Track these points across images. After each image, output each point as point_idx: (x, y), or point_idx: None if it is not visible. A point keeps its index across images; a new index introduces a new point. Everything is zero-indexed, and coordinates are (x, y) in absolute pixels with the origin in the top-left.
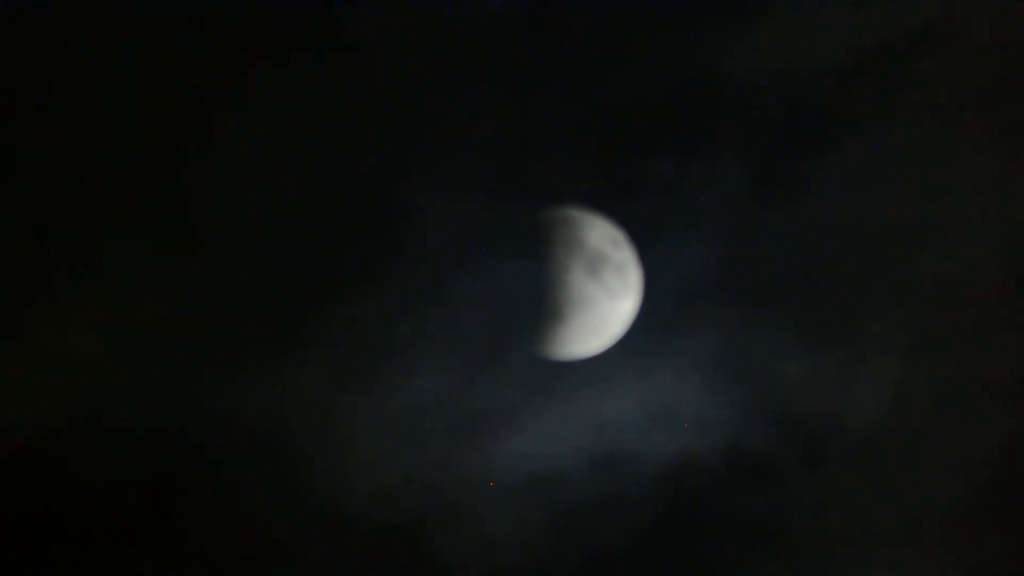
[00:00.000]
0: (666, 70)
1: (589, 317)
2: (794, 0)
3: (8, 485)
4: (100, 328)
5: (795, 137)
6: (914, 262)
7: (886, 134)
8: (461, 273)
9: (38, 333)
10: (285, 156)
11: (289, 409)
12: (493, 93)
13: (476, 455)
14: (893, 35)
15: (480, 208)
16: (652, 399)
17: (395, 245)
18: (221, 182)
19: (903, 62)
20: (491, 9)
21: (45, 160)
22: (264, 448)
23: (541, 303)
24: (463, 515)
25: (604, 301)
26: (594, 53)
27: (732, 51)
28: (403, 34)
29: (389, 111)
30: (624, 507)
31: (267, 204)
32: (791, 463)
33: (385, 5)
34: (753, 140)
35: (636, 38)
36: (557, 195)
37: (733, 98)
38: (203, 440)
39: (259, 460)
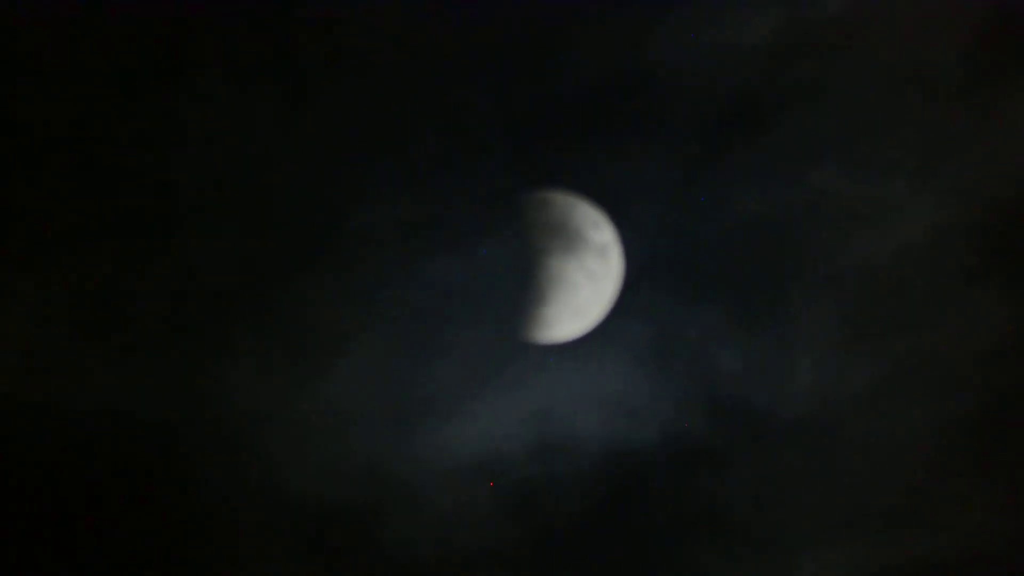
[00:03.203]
0: (590, 61)
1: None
2: None
3: None
4: (40, 314)
5: (724, 123)
6: (845, 247)
7: (815, 118)
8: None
9: None
10: (233, 137)
11: (236, 395)
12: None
13: (423, 440)
14: (821, 18)
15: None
16: (592, 386)
17: (358, 228)
18: (167, 167)
19: (831, 45)
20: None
21: None
22: (209, 435)
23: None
24: (412, 498)
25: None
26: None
27: (655, 37)
28: (364, 18)
29: (350, 92)
30: (568, 490)
31: (214, 188)
32: (729, 449)
33: None
34: (681, 127)
35: (563, 28)
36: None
37: (657, 86)
38: (147, 427)
39: (204, 446)
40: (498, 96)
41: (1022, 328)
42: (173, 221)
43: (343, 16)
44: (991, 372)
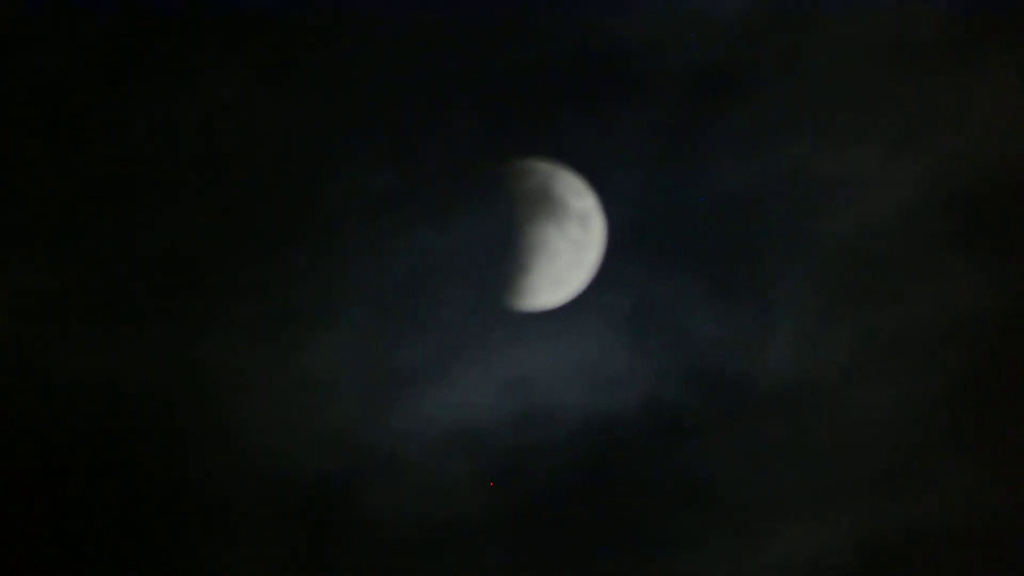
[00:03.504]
0: (565, 32)
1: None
2: None
3: None
4: (21, 289)
5: (700, 94)
6: (823, 218)
7: (792, 89)
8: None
9: None
10: (210, 113)
11: (217, 368)
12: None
13: (404, 410)
14: None
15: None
16: (572, 355)
17: (337, 202)
18: (146, 144)
19: (808, 16)
20: None
21: None
22: (191, 407)
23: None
24: (393, 467)
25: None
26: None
27: (630, 8)
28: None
29: (324, 67)
30: (548, 458)
31: (192, 164)
32: (709, 418)
33: None
34: (657, 98)
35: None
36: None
37: (633, 56)
38: (128, 400)
39: (186, 418)
40: (473, 67)
41: (1000, 298)
42: (153, 198)
43: None
44: (969, 342)
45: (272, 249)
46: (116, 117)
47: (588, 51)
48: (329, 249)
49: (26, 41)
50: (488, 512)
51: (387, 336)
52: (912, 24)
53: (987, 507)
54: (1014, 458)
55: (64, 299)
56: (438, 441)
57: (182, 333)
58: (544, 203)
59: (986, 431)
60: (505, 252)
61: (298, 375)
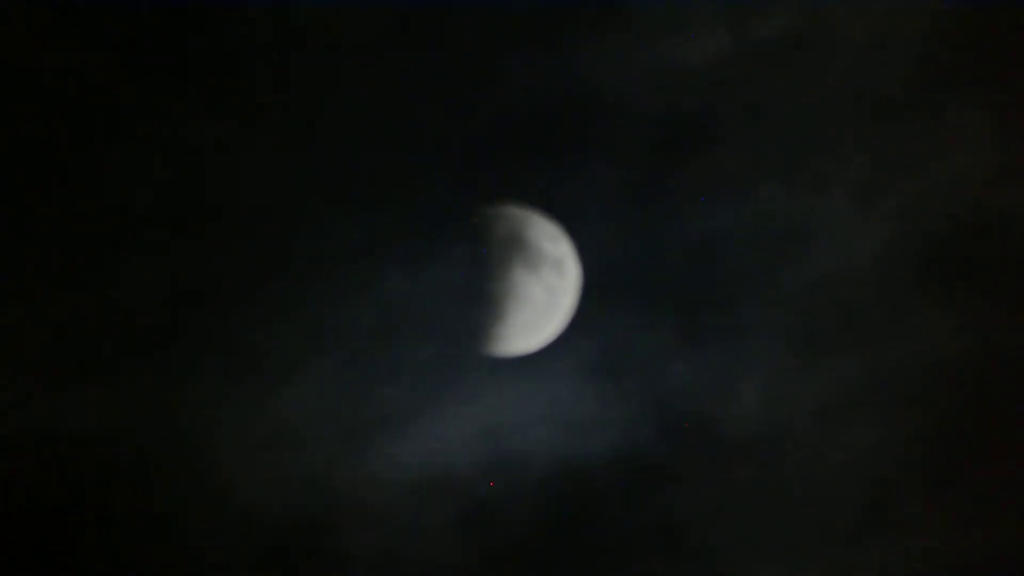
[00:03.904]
0: (532, 81)
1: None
2: (653, 9)
3: None
4: None
5: (670, 142)
6: (793, 265)
7: (760, 137)
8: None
9: None
10: (182, 158)
11: (189, 416)
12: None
13: (376, 456)
14: (765, 37)
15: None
16: (542, 401)
17: (308, 249)
18: (115, 191)
19: (775, 65)
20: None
21: None
22: (163, 454)
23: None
24: (364, 513)
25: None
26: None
27: (596, 58)
28: (312, 42)
29: (299, 113)
30: (520, 505)
31: (162, 211)
32: (681, 465)
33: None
34: (626, 146)
35: (503, 50)
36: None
37: (601, 105)
38: (99, 447)
39: (158, 465)
40: (444, 114)
41: (971, 344)
42: (126, 249)
43: (290, 39)
44: (941, 388)
45: (245, 296)
46: (90, 167)
47: (558, 98)
48: (301, 296)
49: (4, 88)
50: (461, 557)
51: (360, 383)
52: (879, 72)
53: (959, 554)
54: (986, 504)
55: (37, 349)
56: (411, 487)
57: (155, 382)
58: (517, 248)
59: (958, 477)
60: (478, 298)
61: (271, 422)
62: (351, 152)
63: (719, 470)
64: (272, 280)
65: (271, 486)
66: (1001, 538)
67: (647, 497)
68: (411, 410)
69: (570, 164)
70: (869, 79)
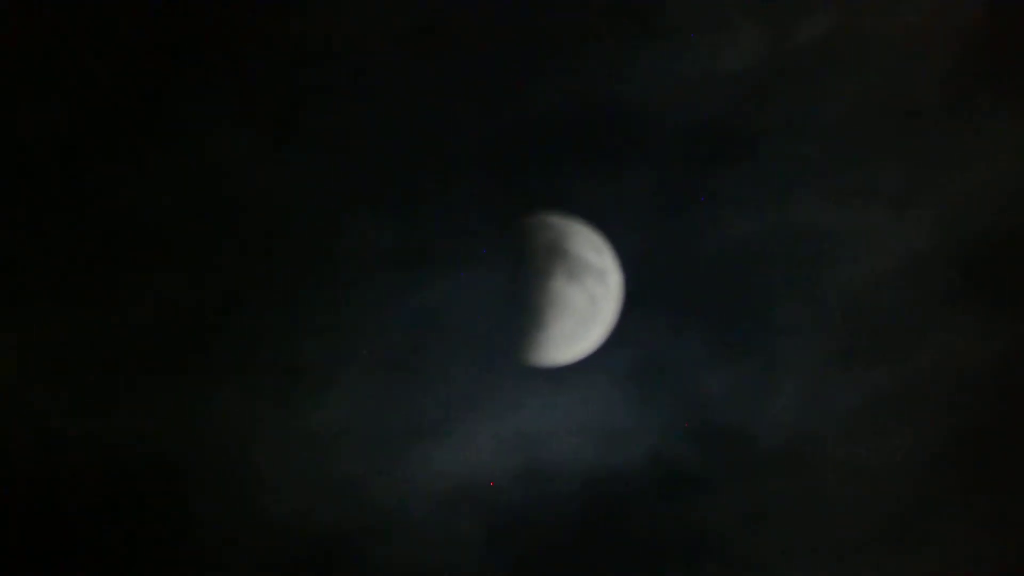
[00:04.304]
0: (572, 89)
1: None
2: (689, 16)
3: None
4: (27, 346)
5: (707, 150)
6: (828, 273)
7: (797, 145)
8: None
9: None
10: (218, 166)
11: (228, 423)
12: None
13: (412, 464)
14: (801, 45)
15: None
16: (577, 410)
17: (349, 256)
18: (152, 200)
19: (811, 72)
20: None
21: None
22: (201, 461)
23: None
24: (399, 521)
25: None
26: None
27: (631, 68)
28: (351, 50)
29: (338, 122)
30: (553, 514)
31: (185, 224)
32: (714, 473)
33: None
34: (662, 153)
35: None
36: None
37: (639, 113)
38: (138, 456)
39: (196, 473)
40: (480, 124)
41: (1003, 352)
42: (162, 257)
43: (330, 48)
44: (974, 397)
45: (282, 306)
46: (123, 178)
47: (595, 108)
48: (339, 306)
49: (28, 101)
50: (494, 566)
51: (395, 392)
52: (915, 80)
53: (991, 563)
54: (1018, 514)
55: (76, 358)
56: (445, 495)
57: (193, 391)
58: (558, 257)
59: (991, 486)
60: (517, 308)
61: (307, 431)
62: (391, 161)
63: (753, 479)
64: (309, 289)
65: (306, 496)
66: None
67: (679, 506)
68: (446, 420)
69: (608, 172)
70: (905, 87)
